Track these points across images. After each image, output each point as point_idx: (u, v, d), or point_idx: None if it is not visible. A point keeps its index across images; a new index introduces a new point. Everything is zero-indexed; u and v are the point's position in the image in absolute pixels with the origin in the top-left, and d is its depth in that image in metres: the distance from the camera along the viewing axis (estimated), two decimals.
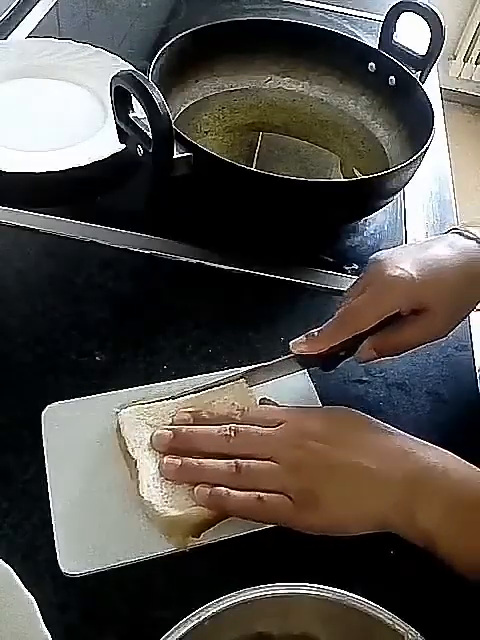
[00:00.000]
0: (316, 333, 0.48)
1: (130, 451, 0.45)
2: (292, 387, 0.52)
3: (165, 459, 0.44)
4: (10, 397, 0.50)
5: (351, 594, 0.35)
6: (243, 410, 0.47)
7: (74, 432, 0.47)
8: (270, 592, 0.35)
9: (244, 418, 0.46)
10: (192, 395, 0.49)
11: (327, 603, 0.35)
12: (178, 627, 0.33)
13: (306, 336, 0.48)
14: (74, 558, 0.42)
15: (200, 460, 0.44)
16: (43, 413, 0.48)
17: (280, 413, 0.47)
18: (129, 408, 0.48)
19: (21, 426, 0.48)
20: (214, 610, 0.33)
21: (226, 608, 0.34)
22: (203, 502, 0.42)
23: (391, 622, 0.34)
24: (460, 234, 0.51)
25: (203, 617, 0.33)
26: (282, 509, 0.42)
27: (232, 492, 0.42)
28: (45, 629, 0.36)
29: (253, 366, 0.51)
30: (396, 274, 0.47)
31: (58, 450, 0.46)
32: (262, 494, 0.42)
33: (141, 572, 0.42)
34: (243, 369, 0.51)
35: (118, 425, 0.47)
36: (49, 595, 0.40)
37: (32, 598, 0.37)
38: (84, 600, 0.41)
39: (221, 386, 0.49)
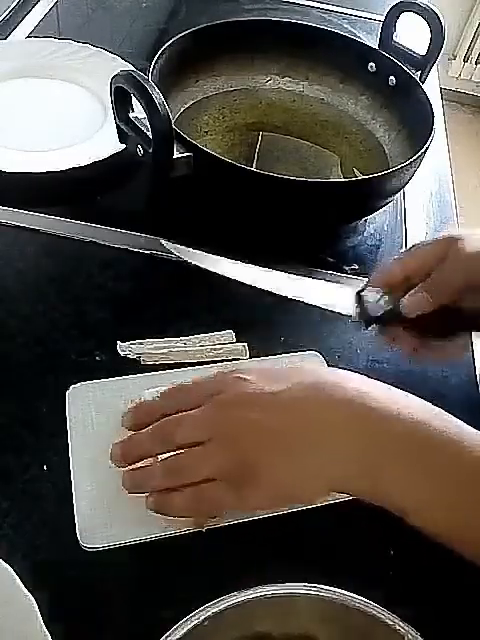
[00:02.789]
0: (420, 294, 0.47)
1: None
2: None
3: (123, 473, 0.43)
4: (10, 397, 0.50)
5: (351, 594, 0.35)
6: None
7: (96, 411, 0.49)
8: (270, 592, 0.35)
9: (178, 402, 0.43)
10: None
11: (327, 603, 0.35)
12: (178, 627, 0.33)
13: (416, 295, 0.47)
14: (92, 533, 0.43)
15: (144, 468, 0.42)
16: (67, 392, 0.49)
17: (214, 384, 0.43)
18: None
19: (21, 426, 0.48)
20: (214, 610, 0.33)
21: (226, 608, 0.34)
22: (153, 511, 0.41)
23: (391, 622, 0.34)
24: None
25: (203, 617, 0.33)
26: (219, 496, 0.39)
27: (170, 496, 0.40)
28: (45, 629, 0.36)
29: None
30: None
31: (81, 429, 0.48)
32: (198, 488, 0.39)
33: (144, 570, 0.42)
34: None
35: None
36: (49, 595, 0.40)
37: (32, 598, 0.37)
38: (84, 600, 0.41)
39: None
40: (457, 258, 0.48)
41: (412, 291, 0.48)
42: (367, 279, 0.51)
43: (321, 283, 0.52)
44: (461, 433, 0.38)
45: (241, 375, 0.41)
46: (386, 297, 0.48)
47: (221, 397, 0.41)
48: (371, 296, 0.49)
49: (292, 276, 0.52)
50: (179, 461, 0.40)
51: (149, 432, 0.42)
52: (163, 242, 0.59)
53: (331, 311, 0.50)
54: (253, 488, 0.39)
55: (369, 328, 0.50)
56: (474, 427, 0.54)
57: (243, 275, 0.53)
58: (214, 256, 0.56)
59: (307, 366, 0.43)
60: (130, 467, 0.42)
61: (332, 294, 0.50)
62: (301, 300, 0.51)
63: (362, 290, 0.49)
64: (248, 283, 0.52)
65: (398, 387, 0.42)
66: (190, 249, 0.58)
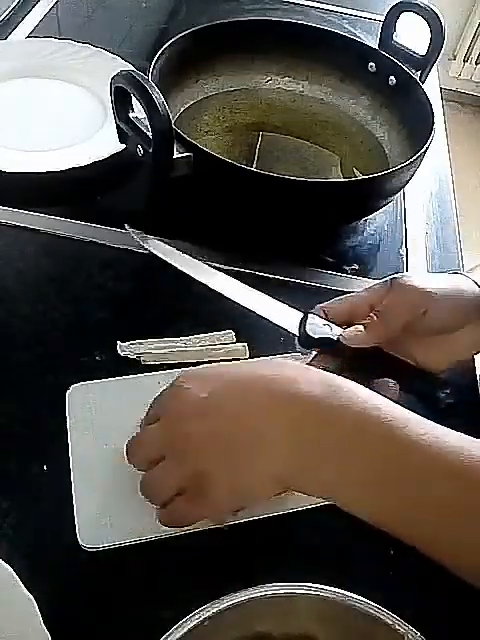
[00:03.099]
0: (361, 328, 0.48)
1: None
2: None
3: None
4: (10, 397, 0.50)
5: (351, 594, 0.35)
6: None
7: (97, 411, 0.49)
8: (270, 592, 0.35)
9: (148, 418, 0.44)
10: None
11: (327, 603, 0.35)
12: (178, 627, 0.33)
13: (356, 328, 0.48)
14: (92, 533, 0.43)
15: None
16: (67, 392, 0.50)
17: (163, 399, 0.43)
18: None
19: (21, 426, 0.48)
20: (214, 610, 0.33)
21: (226, 608, 0.34)
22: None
23: (391, 622, 0.34)
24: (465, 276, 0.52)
25: (203, 617, 0.33)
26: (186, 509, 0.40)
27: (159, 513, 0.42)
28: (45, 628, 0.36)
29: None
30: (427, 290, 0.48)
31: (81, 429, 0.48)
32: (170, 505, 0.41)
33: (144, 569, 0.42)
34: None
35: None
36: (49, 594, 0.40)
37: (32, 598, 0.38)
38: (84, 600, 0.41)
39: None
40: (398, 297, 0.48)
41: (354, 326, 0.49)
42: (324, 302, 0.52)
43: (274, 301, 0.52)
44: (392, 412, 0.37)
45: (182, 383, 0.41)
46: (329, 326, 0.49)
47: (166, 413, 0.41)
48: (316, 320, 0.49)
49: (249, 288, 0.53)
50: (145, 483, 0.42)
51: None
52: (129, 229, 0.60)
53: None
54: (214, 494, 0.39)
55: (308, 351, 0.51)
56: (474, 428, 0.54)
57: (201, 275, 0.55)
58: (182, 254, 0.57)
59: (237, 362, 0.44)
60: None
61: (283, 312, 0.51)
62: (254, 312, 0.52)
63: (308, 314, 0.50)
64: (204, 282, 0.54)
65: None
66: (156, 239, 0.60)
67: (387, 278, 0.50)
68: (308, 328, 0.49)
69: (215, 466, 0.39)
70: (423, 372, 0.50)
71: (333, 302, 0.51)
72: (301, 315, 0.50)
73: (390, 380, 0.49)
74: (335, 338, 0.48)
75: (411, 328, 0.48)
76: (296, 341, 0.50)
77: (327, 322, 0.49)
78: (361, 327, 0.48)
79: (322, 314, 0.50)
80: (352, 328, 0.49)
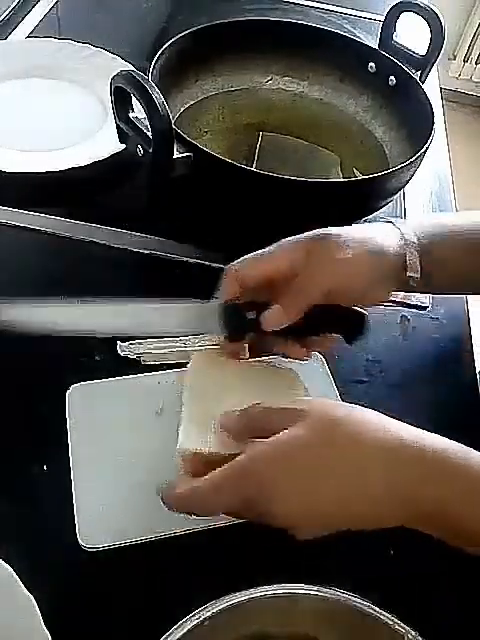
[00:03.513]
0: (278, 307, 0.45)
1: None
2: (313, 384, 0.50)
3: None
4: (10, 397, 0.50)
5: (351, 594, 0.35)
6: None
7: (97, 411, 0.49)
8: (270, 592, 0.35)
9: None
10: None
11: (327, 603, 0.35)
12: (178, 627, 0.33)
13: (269, 310, 0.46)
14: (92, 533, 0.43)
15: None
16: (67, 392, 0.50)
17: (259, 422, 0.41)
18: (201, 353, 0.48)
19: (21, 426, 0.48)
20: (214, 610, 0.34)
21: (226, 608, 0.34)
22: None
23: (391, 622, 0.34)
24: (392, 225, 0.50)
25: (203, 617, 0.33)
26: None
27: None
28: (45, 629, 0.36)
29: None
30: (343, 258, 0.46)
31: (81, 429, 0.48)
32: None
33: (144, 569, 0.42)
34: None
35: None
36: (49, 595, 0.40)
37: (32, 598, 0.37)
38: (84, 600, 0.41)
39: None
40: (316, 266, 0.46)
41: (271, 307, 0.46)
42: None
43: (184, 307, 0.48)
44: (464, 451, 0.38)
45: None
46: (251, 311, 0.47)
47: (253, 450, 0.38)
48: (233, 312, 0.47)
49: (152, 305, 0.47)
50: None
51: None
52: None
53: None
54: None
55: (239, 341, 0.48)
56: (474, 427, 0.54)
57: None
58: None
59: (314, 408, 0.40)
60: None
61: (198, 316, 0.47)
62: (166, 334, 0.49)
63: (225, 304, 0.47)
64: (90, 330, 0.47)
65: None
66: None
67: (305, 235, 0.47)
68: (230, 321, 0.46)
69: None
70: (360, 314, 0.48)
71: (248, 263, 0.47)
72: (217, 312, 0.47)
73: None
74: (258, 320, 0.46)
75: (335, 291, 0.46)
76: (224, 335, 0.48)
77: (240, 307, 0.47)
78: (278, 306, 0.45)
79: (234, 284, 0.46)
80: (270, 310, 0.45)
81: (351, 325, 0.49)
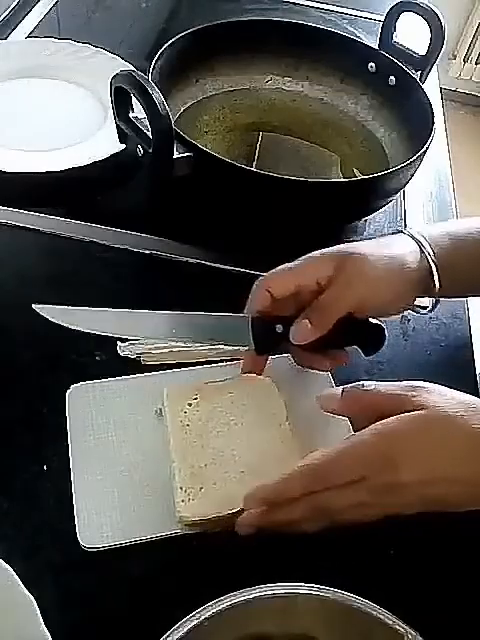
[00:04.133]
0: (306, 322, 0.47)
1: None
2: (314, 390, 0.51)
3: None
4: (10, 397, 0.50)
5: (351, 594, 0.35)
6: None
7: (97, 412, 0.49)
8: (270, 592, 0.35)
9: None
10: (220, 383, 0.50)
11: (327, 603, 0.35)
12: (178, 627, 0.33)
13: (298, 324, 0.47)
14: (92, 533, 0.43)
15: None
16: (67, 393, 0.49)
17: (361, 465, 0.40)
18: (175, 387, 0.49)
19: (21, 426, 0.48)
20: (214, 610, 0.33)
21: (226, 608, 0.34)
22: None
23: (391, 622, 0.34)
24: (411, 237, 0.51)
25: (203, 617, 0.33)
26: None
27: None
28: (45, 629, 0.36)
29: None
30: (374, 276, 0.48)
31: (81, 429, 0.48)
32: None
33: (144, 569, 0.42)
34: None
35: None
36: (49, 595, 0.40)
37: (32, 598, 0.37)
38: (84, 600, 0.41)
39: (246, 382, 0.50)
40: (346, 283, 0.47)
41: (298, 319, 0.47)
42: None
43: (215, 317, 0.50)
44: None
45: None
46: (279, 324, 0.48)
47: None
48: (262, 325, 0.48)
49: (183, 314, 0.50)
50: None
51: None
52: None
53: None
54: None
55: (267, 354, 0.50)
56: None
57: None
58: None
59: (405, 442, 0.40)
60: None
61: (228, 328, 0.49)
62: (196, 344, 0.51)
63: (255, 317, 0.49)
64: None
65: None
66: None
67: (331, 250, 0.49)
68: (261, 335, 0.48)
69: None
70: (378, 327, 0.50)
71: (278, 275, 0.49)
72: (247, 326, 0.49)
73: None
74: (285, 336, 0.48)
75: (361, 308, 0.48)
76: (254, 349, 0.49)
77: (269, 321, 0.48)
78: (306, 321, 0.47)
79: (265, 295, 0.48)
80: (297, 323, 0.47)
81: (370, 337, 0.50)
